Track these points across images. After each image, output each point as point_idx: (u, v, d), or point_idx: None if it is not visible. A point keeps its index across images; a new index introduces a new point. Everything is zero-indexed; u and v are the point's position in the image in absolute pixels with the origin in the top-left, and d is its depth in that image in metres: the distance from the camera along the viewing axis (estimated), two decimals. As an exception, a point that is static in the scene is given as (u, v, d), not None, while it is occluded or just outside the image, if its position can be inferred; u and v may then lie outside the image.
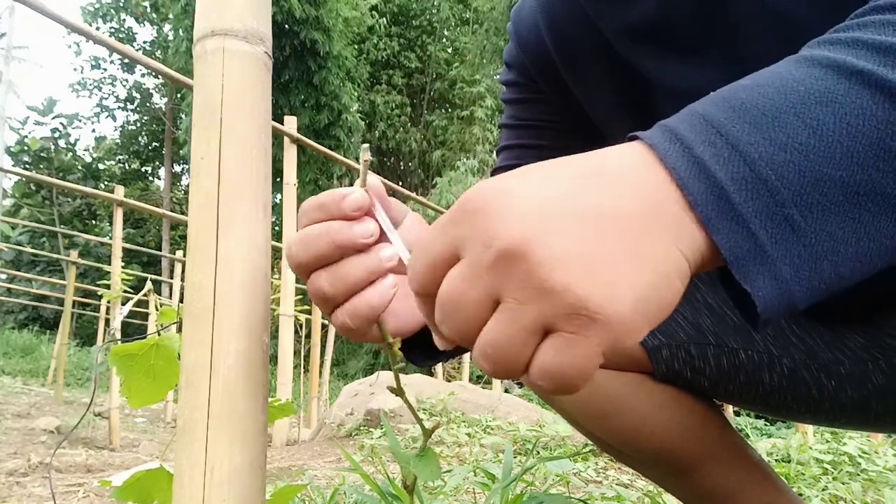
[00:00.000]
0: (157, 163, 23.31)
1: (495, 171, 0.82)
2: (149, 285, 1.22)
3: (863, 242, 0.31)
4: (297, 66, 12.36)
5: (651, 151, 0.32)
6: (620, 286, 0.29)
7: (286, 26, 11.65)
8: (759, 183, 0.30)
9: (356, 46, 14.48)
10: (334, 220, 0.42)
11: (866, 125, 0.31)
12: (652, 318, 0.30)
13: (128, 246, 6.75)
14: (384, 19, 15.75)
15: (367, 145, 0.44)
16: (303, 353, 5.31)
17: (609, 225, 0.29)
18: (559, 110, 0.78)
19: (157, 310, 1.13)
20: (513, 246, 0.29)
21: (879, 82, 0.31)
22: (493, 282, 0.30)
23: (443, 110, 17.42)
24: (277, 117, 3.82)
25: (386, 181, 6.26)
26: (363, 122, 14.17)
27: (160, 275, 13.85)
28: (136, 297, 1.18)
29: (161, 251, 15.76)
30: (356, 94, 13.95)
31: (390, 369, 0.49)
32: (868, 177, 0.30)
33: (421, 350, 0.53)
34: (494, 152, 0.83)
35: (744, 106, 0.32)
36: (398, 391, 0.48)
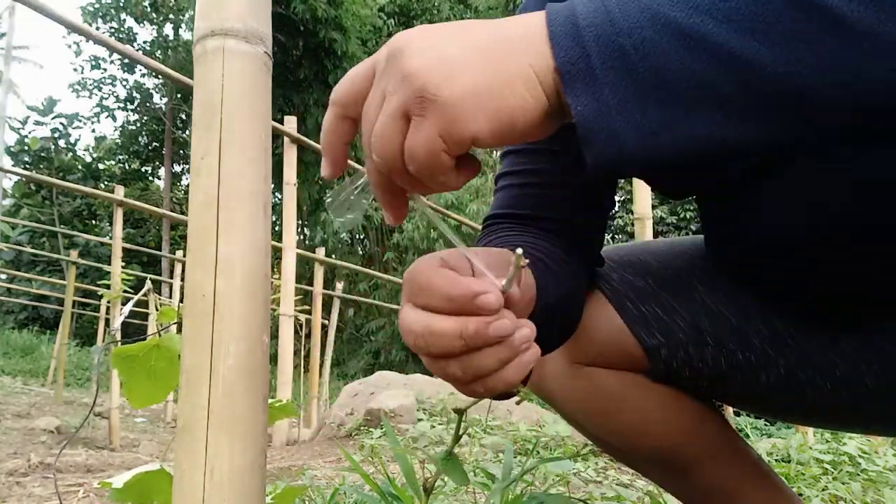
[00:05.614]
0: (157, 163, 23.27)
1: (499, 178, 0.82)
2: (148, 285, 1.21)
3: (691, 91, 0.34)
4: (311, 66, 12.37)
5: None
6: (460, 78, 0.34)
7: (301, 27, 11.66)
8: (605, 12, 0.35)
9: (364, 47, 14.48)
10: (466, 315, 0.39)
11: None
12: (491, 113, 0.35)
13: (128, 246, 6.74)
14: (392, 20, 15.73)
15: (521, 250, 0.40)
16: (303, 353, 5.31)
17: (477, 43, 0.36)
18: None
19: (157, 310, 1.12)
20: (395, 47, 0.36)
21: None
22: (382, 82, 0.37)
23: (443, 111, 17.41)
24: (290, 114, 3.81)
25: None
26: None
27: (160, 275, 13.86)
28: (135, 297, 1.18)
29: (161, 251, 15.75)
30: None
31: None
32: (700, 21, 0.33)
33: None
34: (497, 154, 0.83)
35: None
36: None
